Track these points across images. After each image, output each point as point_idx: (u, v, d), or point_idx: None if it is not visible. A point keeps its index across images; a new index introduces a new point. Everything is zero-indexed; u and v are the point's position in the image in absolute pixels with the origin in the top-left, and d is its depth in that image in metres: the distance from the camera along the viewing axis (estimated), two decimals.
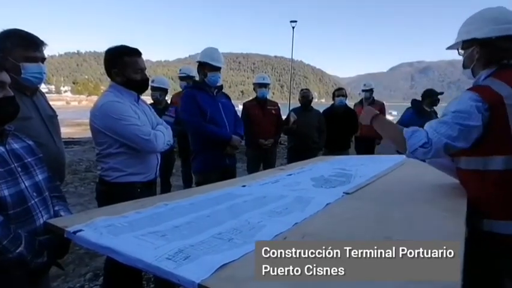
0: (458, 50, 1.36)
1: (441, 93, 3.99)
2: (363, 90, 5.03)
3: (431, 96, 4.01)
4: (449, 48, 1.40)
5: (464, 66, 1.34)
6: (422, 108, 4.03)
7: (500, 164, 1.18)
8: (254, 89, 4.07)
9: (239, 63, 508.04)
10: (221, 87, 2.84)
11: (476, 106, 1.15)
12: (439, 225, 1.03)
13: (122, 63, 1.82)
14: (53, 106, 1.89)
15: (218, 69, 2.69)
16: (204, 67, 2.68)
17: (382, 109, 5.11)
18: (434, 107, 4.09)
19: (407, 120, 4.09)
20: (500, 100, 1.15)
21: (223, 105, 2.75)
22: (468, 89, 1.25)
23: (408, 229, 0.99)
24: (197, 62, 2.74)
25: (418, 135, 1.23)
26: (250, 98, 4.25)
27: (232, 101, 3.02)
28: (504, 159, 1.18)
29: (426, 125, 1.26)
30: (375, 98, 5.23)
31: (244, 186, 1.63)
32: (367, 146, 4.80)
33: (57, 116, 1.84)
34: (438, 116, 1.30)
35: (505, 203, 1.20)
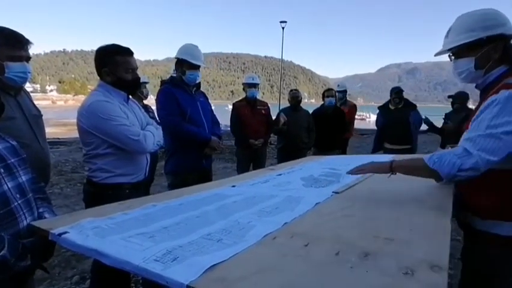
0: (453, 53, 1.29)
1: (397, 89, 4.40)
2: (337, 91, 5.11)
3: (390, 95, 4.38)
4: (451, 49, 1.29)
5: (477, 67, 1.25)
6: (386, 108, 4.46)
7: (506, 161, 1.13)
8: (244, 89, 4.07)
9: (229, 63, 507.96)
10: (199, 85, 2.71)
11: None
12: (426, 223, 1.04)
13: (114, 63, 1.77)
14: (38, 106, 1.85)
15: (197, 67, 2.57)
16: (183, 64, 2.55)
17: (354, 109, 5.19)
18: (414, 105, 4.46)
19: (378, 121, 4.52)
20: None
21: (201, 104, 2.64)
22: (501, 88, 1.15)
23: (396, 228, 1.00)
24: (175, 58, 2.62)
25: (446, 161, 1.13)
26: (240, 98, 4.24)
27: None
28: None
29: (466, 142, 1.14)
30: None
31: (234, 186, 1.62)
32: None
33: (42, 115, 1.80)
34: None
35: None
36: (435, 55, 1.39)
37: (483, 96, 1.23)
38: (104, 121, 1.68)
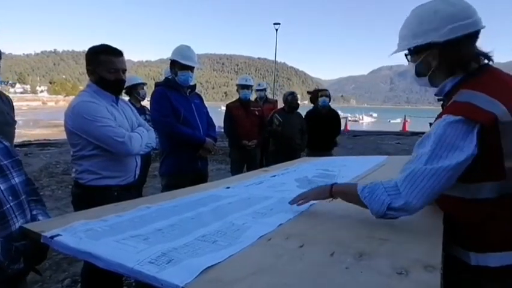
0: (407, 56, 1.15)
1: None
2: (257, 90, 5.10)
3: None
4: (394, 53, 1.16)
5: (419, 74, 1.12)
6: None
7: (492, 191, 0.99)
8: (237, 90, 4.07)
9: (222, 64, 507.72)
10: (194, 87, 2.69)
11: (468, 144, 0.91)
12: (419, 223, 1.05)
13: (97, 61, 1.76)
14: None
15: (189, 68, 2.52)
16: (175, 65, 2.53)
17: (275, 106, 5.14)
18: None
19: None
20: (494, 120, 0.92)
21: (196, 106, 2.61)
22: (445, 111, 0.99)
23: (390, 228, 1.01)
24: (169, 59, 2.61)
25: (376, 197, 0.99)
26: (234, 99, 4.24)
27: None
28: (496, 185, 0.98)
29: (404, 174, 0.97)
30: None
31: (228, 187, 1.61)
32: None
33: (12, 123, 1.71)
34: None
35: (498, 233, 1.01)
36: (389, 55, 1.26)
37: (446, 103, 1.08)
38: (88, 122, 1.66)
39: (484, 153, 0.93)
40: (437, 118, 1.03)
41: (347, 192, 1.12)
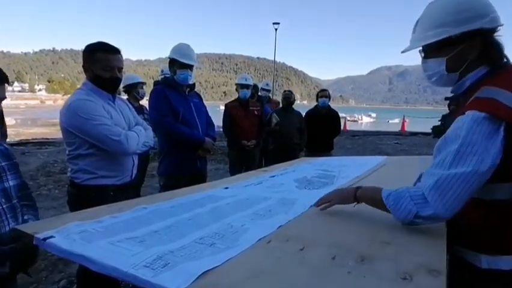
0: (422, 52, 1.07)
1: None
2: (263, 89, 5.17)
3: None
4: (435, 41, 1.00)
5: (449, 70, 1.02)
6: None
7: (510, 192, 0.95)
8: (236, 89, 4.04)
9: (222, 63, 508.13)
10: (193, 86, 2.65)
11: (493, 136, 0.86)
12: (422, 226, 1.03)
13: (93, 59, 1.73)
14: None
15: (188, 66, 2.49)
16: (174, 64, 2.49)
17: (278, 106, 5.20)
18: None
19: None
20: None
21: (195, 105, 2.58)
22: (468, 108, 0.92)
23: (392, 230, 0.98)
24: (168, 57, 2.58)
25: (402, 206, 0.94)
26: (233, 99, 4.22)
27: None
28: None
29: (427, 179, 0.92)
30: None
31: (226, 188, 1.59)
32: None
33: None
34: None
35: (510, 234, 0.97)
36: (402, 52, 1.16)
37: (464, 100, 1.01)
38: (84, 120, 1.63)
39: (505, 152, 0.88)
40: (447, 116, 0.98)
41: (372, 198, 1.07)
